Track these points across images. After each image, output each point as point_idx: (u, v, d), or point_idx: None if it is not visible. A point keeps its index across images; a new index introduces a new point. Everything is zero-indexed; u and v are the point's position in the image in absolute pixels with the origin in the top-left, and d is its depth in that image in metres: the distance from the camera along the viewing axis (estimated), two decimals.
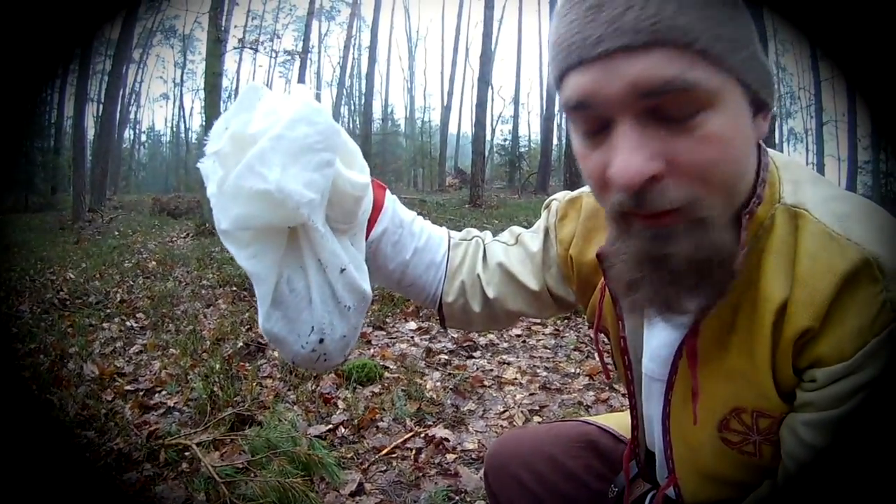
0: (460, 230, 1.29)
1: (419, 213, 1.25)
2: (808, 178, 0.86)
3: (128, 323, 5.12)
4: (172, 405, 3.28)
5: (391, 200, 1.17)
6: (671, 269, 0.75)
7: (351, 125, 41.08)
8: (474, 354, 4.15)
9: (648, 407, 1.05)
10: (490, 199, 20.02)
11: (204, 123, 15.26)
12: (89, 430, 2.98)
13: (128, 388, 3.56)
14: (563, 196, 1.19)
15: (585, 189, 1.12)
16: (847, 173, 24.65)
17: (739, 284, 0.81)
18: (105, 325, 5.08)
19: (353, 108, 42.36)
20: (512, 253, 1.21)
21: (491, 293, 1.19)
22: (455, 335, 4.51)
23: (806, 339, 0.79)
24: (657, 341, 0.99)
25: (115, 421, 3.03)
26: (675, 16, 0.67)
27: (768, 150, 0.87)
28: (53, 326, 4.97)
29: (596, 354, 1.22)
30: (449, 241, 1.23)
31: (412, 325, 4.90)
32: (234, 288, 6.07)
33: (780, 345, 0.81)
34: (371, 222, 1.11)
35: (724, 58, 0.70)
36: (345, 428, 2.98)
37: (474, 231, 1.28)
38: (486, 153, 24.13)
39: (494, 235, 1.28)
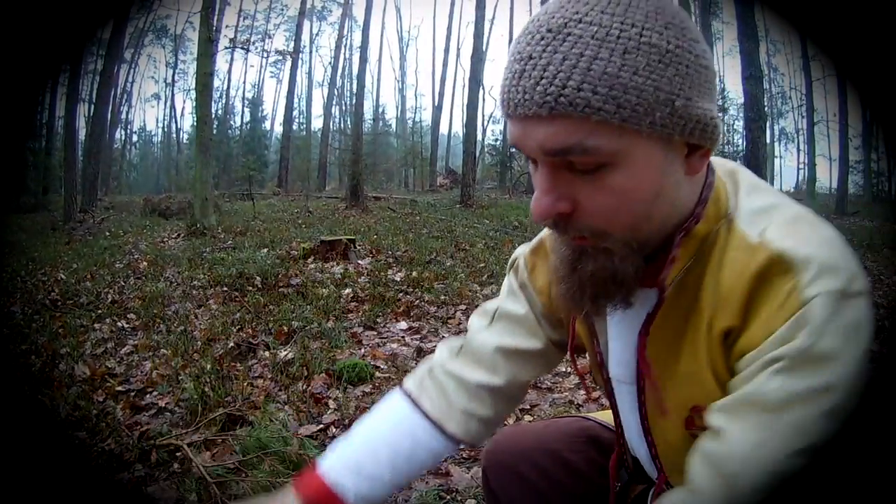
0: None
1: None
2: (745, 188, 0.94)
3: (119, 324, 5.10)
4: (164, 405, 3.28)
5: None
6: (580, 278, 0.90)
7: (342, 125, 41.08)
8: None
9: (626, 413, 1.11)
10: (481, 198, 20.03)
11: (195, 124, 15.21)
12: (81, 430, 2.98)
13: (119, 388, 3.55)
14: (525, 250, 1.21)
15: (542, 233, 1.16)
16: (838, 173, 24.63)
17: (689, 294, 0.92)
18: (96, 325, 5.07)
19: (344, 108, 42.20)
20: (500, 330, 1.21)
21: (500, 380, 1.18)
22: (446, 335, 4.51)
23: (732, 339, 0.88)
24: (618, 345, 1.06)
25: (106, 421, 3.02)
26: (578, 89, 0.75)
27: (721, 161, 0.97)
28: (45, 327, 4.95)
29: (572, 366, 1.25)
30: (411, 401, 1.21)
31: (403, 325, 4.92)
32: (226, 288, 6.07)
33: (713, 346, 0.90)
34: None
35: (631, 123, 0.76)
36: (336, 428, 2.99)
37: (420, 369, 1.27)
38: (477, 153, 24.16)
39: (454, 336, 1.31)
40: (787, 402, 0.80)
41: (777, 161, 41.77)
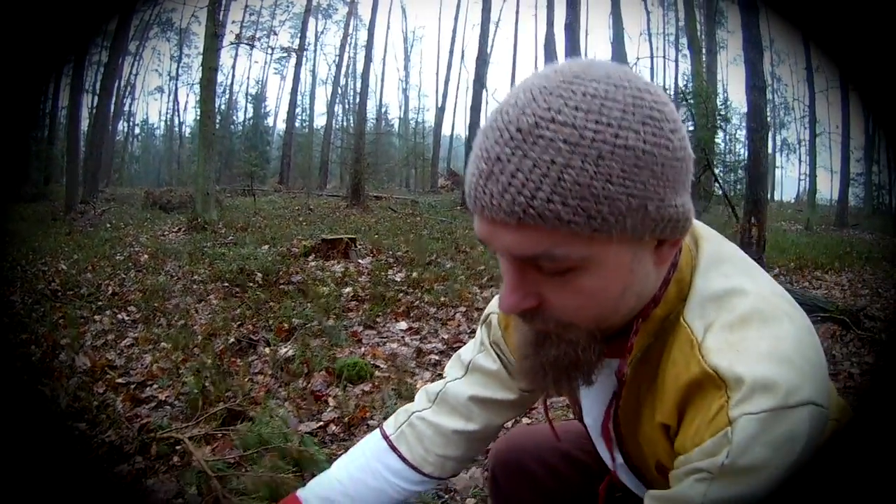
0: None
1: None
2: (704, 264, 0.92)
3: (119, 316, 5.12)
4: (164, 399, 3.29)
5: None
6: (542, 361, 0.91)
7: (345, 124, 41.01)
8: None
9: (609, 458, 1.14)
10: None
11: (198, 118, 15.20)
12: (81, 422, 2.99)
13: (119, 380, 3.56)
14: (498, 307, 1.21)
15: None
16: (840, 185, 24.60)
17: (650, 368, 0.93)
18: (97, 317, 5.08)
19: (347, 106, 42.08)
20: (473, 381, 1.26)
21: (475, 426, 1.25)
22: (445, 336, 4.53)
23: (671, 433, 0.91)
24: (588, 405, 1.11)
25: (106, 413, 3.04)
26: (548, 200, 0.72)
27: (698, 232, 0.96)
28: (45, 317, 4.96)
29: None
30: (389, 445, 1.29)
31: (402, 325, 4.93)
32: (226, 284, 6.08)
33: (658, 430, 0.93)
34: None
35: (602, 232, 0.74)
36: (335, 425, 3.00)
37: (399, 415, 1.34)
38: None
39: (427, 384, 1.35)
40: None
41: (778, 171, 41.80)
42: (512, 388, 1.22)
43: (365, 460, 1.28)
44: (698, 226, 0.95)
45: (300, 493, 1.22)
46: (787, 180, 47.11)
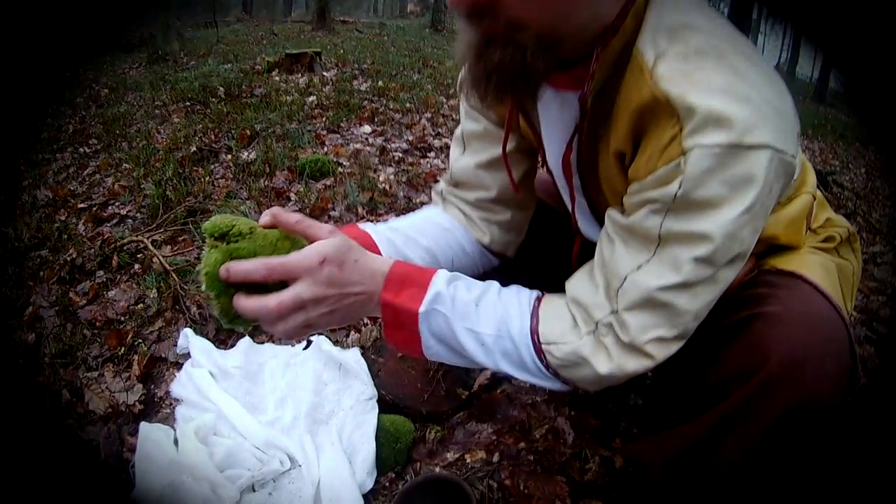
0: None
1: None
2: (668, 2, 0.88)
3: (81, 150, 4.90)
4: (126, 214, 3.16)
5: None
6: (485, 66, 0.88)
7: None
8: (428, 155, 4.10)
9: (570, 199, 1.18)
10: (452, 25, 19.24)
11: None
12: (42, 249, 2.89)
13: (81, 205, 3.42)
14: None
15: None
16: (821, 64, 23.23)
17: (606, 105, 0.92)
18: (58, 156, 4.88)
19: None
20: (472, 150, 1.29)
21: (494, 192, 1.29)
22: (410, 138, 4.38)
23: (626, 161, 0.93)
24: (551, 146, 1.13)
25: (67, 234, 2.93)
26: None
27: None
28: (6, 167, 4.76)
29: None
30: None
31: (367, 128, 4.72)
32: (188, 103, 5.80)
33: (613, 160, 0.96)
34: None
35: None
36: None
37: (435, 195, 1.41)
38: None
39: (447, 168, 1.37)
40: (663, 238, 0.85)
41: (760, 37, 40.80)
42: (510, 139, 1.23)
43: (420, 214, 1.36)
44: None
45: (361, 224, 1.22)
46: (770, 48, 47.28)
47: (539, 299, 1.02)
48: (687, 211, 0.82)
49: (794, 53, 29.91)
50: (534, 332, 0.97)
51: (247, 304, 0.88)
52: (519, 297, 1.02)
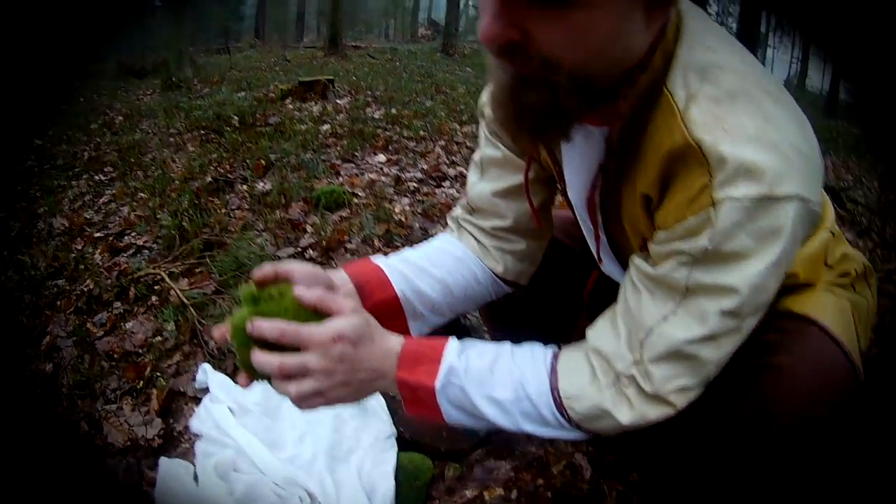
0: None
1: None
2: (688, 35, 0.88)
3: (96, 177, 4.94)
4: (142, 244, 3.17)
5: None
6: (520, 108, 0.87)
7: None
8: (443, 184, 4.10)
9: (594, 239, 1.17)
10: (464, 49, 19.45)
11: None
12: (59, 278, 2.91)
13: (97, 235, 3.44)
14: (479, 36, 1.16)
15: None
16: (831, 75, 23.38)
17: (633, 143, 0.91)
18: (74, 183, 4.91)
19: None
20: (490, 176, 1.28)
21: (510, 220, 1.27)
22: (424, 166, 4.40)
23: (652, 207, 0.93)
24: (574, 180, 1.11)
25: (84, 264, 2.95)
26: None
27: (684, 8, 0.90)
28: (23, 194, 4.80)
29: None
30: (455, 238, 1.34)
31: (381, 157, 4.74)
32: (203, 131, 5.85)
33: (638, 200, 0.95)
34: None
35: None
36: (313, 250, 2.91)
37: (451, 221, 1.38)
38: (461, 5, 23.28)
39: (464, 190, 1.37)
40: (690, 289, 0.86)
41: (770, 51, 40.89)
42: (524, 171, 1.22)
43: (433, 245, 1.33)
44: (686, 2, 0.92)
45: (374, 258, 1.23)
46: (779, 62, 46.81)
47: (555, 355, 1.03)
48: (715, 263, 0.83)
49: (804, 66, 29.94)
50: (554, 389, 0.99)
51: (257, 357, 0.92)
52: (533, 356, 1.03)
